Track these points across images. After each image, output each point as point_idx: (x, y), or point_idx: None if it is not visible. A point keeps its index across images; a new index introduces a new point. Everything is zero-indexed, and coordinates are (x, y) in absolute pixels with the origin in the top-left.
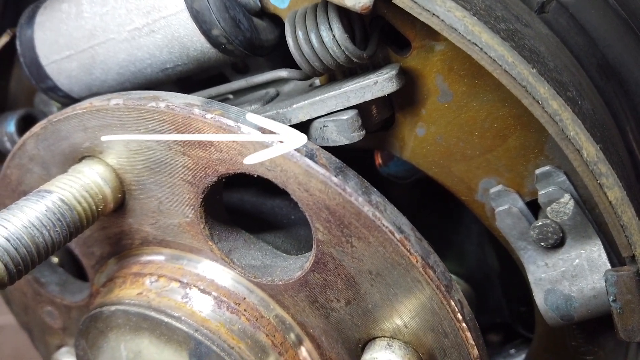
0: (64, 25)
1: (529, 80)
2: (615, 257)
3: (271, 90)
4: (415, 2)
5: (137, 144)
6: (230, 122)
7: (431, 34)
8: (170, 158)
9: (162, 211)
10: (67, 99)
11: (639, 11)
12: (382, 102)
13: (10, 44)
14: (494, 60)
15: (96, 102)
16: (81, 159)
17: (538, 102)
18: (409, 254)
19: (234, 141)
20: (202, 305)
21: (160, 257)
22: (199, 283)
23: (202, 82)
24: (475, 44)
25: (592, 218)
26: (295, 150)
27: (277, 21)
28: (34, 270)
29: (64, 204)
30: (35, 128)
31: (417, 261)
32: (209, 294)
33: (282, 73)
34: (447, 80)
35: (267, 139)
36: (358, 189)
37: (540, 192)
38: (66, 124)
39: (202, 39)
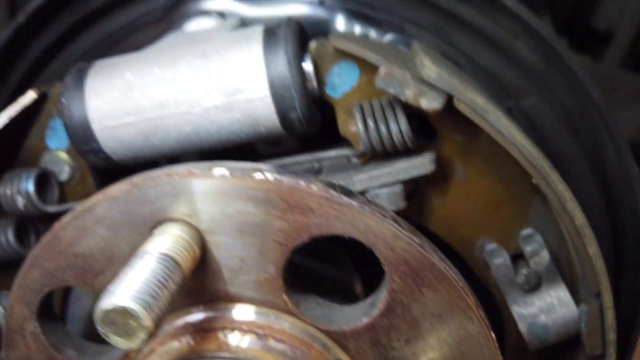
0: (128, 94)
1: (546, 170)
2: (573, 295)
3: (315, 164)
4: (475, 112)
5: (235, 209)
6: (334, 192)
7: (456, 128)
8: (266, 222)
9: (242, 269)
10: (106, 162)
11: (575, 116)
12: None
13: (34, 103)
14: (524, 155)
15: (196, 170)
16: (163, 220)
17: (551, 186)
18: (467, 297)
19: (333, 208)
20: (281, 354)
21: (230, 312)
22: (274, 334)
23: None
24: (514, 144)
25: (557, 268)
26: (385, 215)
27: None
28: (50, 335)
29: (178, 265)
30: (113, 191)
31: (472, 303)
32: (284, 342)
33: (348, 152)
34: (463, 164)
35: (369, 209)
36: (431, 247)
37: (527, 248)
38: (155, 189)
39: (276, 119)
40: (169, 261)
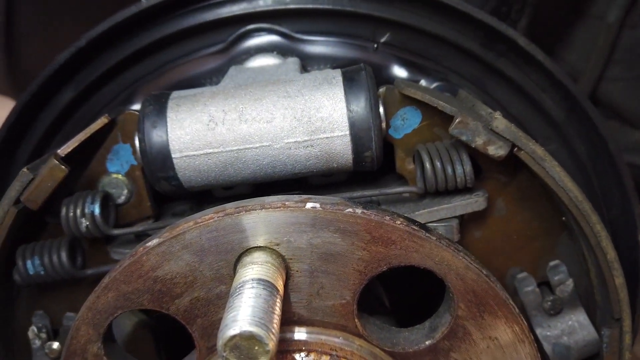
0: (212, 127)
1: (588, 212)
2: (592, 321)
3: (374, 198)
4: (534, 159)
5: (321, 239)
6: (415, 227)
7: (502, 170)
8: (350, 252)
9: (320, 294)
10: (176, 188)
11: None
12: None
13: (102, 129)
14: (571, 198)
15: (289, 203)
16: (251, 248)
17: (590, 225)
18: (522, 322)
19: (413, 241)
20: None
21: (304, 334)
22: (346, 355)
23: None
24: (563, 189)
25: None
26: (458, 250)
27: None
28: (111, 357)
29: (278, 290)
30: (204, 220)
31: (525, 328)
32: None
33: (412, 189)
34: (504, 201)
35: (445, 243)
36: (494, 278)
37: (554, 278)
38: (248, 218)
39: (350, 157)
40: (272, 287)
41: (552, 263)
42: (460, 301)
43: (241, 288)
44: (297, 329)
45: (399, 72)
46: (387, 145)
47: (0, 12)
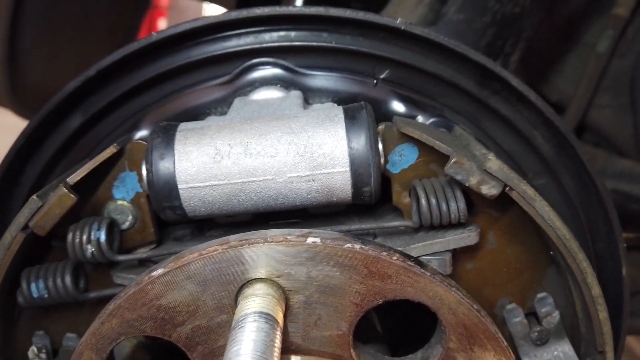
0: (218, 160)
1: (575, 250)
2: (577, 352)
3: (371, 231)
4: (524, 199)
5: (321, 272)
6: (411, 263)
7: (493, 206)
8: (347, 285)
9: (317, 325)
10: (181, 217)
11: (575, 196)
12: None
13: (110, 158)
14: (559, 236)
15: (292, 237)
16: (252, 280)
17: (577, 262)
18: (509, 355)
19: (408, 276)
20: None
21: None
22: None
23: None
24: (552, 227)
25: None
26: (451, 285)
27: None
28: None
29: (278, 323)
30: (209, 251)
31: (512, 359)
32: None
33: (408, 223)
34: (495, 235)
35: (439, 279)
36: (485, 312)
37: (542, 310)
38: (250, 251)
39: (350, 191)
40: (273, 320)
41: (539, 295)
42: (451, 334)
43: (243, 321)
44: (294, 357)
45: (398, 107)
46: (385, 179)
47: (5, 25)
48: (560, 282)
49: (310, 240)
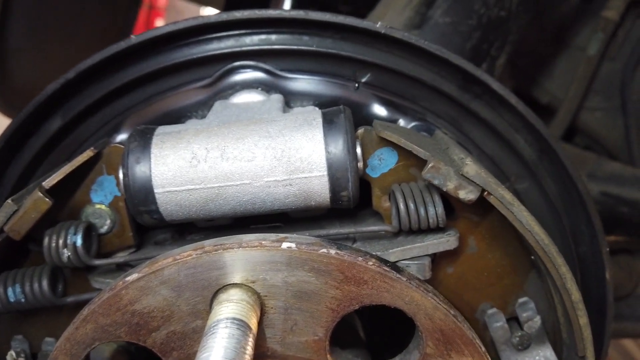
0: (195, 164)
1: (554, 254)
2: (559, 356)
3: (351, 235)
4: (502, 204)
5: (296, 278)
6: (387, 269)
7: (473, 210)
8: (323, 290)
9: (293, 331)
10: (158, 222)
11: (558, 199)
12: None
13: (87, 161)
14: (537, 241)
15: (266, 242)
16: (227, 285)
17: (556, 267)
18: (488, 359)
19: (384, 281)
20: None
21: None
22: None
23: None
24: (530, 232)
25: (545, 331)
26: (427, 290)
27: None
28: None
29: (251, 329)
30: (183, 257)
31: None
32: None
33: (387, 227)
34: (476, 240)
35: (415, 284)
36: (462, 318)
37: (523, 315)
38: (225, 256)
39: (328, 196)
40: (245, 326)
41: (521, 300)
42: (428, 339)
43: (215, 327)
44: None
45: (379, 110)
46: (365, 183)
47: None
48: (542, 286)
49: (285, 245)
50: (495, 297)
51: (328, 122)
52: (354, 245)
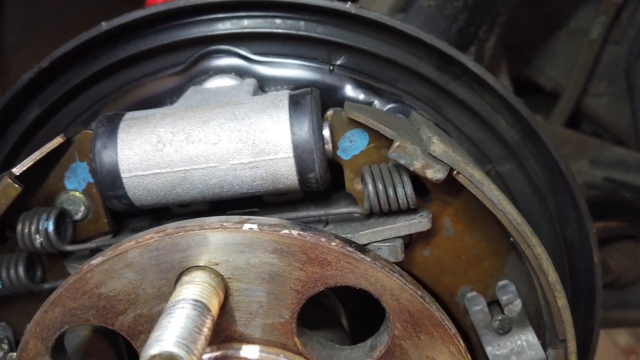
0: (160, 148)
1: (528, 234)
2: (541, 339)
3: (323, 218)
4: (472, 183)
5: (259, 259)
6: (350, 249)
7: (447, 191)
8: (287, 272)
9: (259, 313)
10: (128, 207)
11: (543, 182)
12: None
13: (59, 148)
14: (510, 221)
15: (228, 224)
16: (191, 267)
17: (531, 248)
18: (458, 343)
19: (348, 262)
20: None
21: (244, 352)
22: None
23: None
24: (502, 211)
25: (527, 314)
26: (393, 271)
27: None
28: None
29: (210, 310)
30: (146, 239)
31: (462, 348)
32: None
33: (357, 209)
34: (452, 221)
35: (380, 264)
36: (430, 299)
37: (503, 298)
38: (187, 238)
39: (296, 178)
40: (203, 307)
41: (500, 283)
42: (396, 321)
43: (172, 308)
44: (237, 346)
45: (355, 93)
46: (338, 165)
47: None
48: (523, 269)
49: (247, 226)
50: (474, 280)
51: (294, 104)
52: (326, 229)
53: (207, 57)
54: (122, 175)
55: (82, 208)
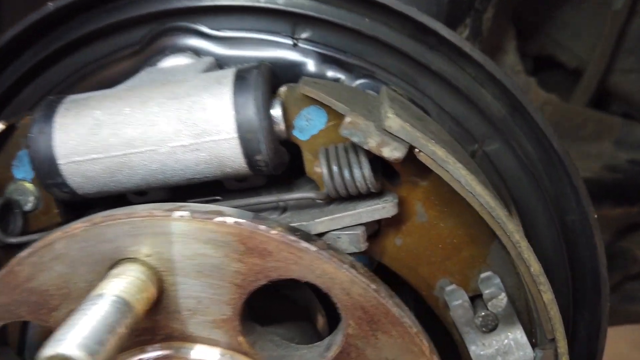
0: (96, 131)
1: (503, 220)
2: (529, 339)
3: (281, 203)
4: (434, 162)
5: (193, 250)
6: (292, 237)
7: (417, 173)
8: (224, 264)
9: (198, 309)
10: (70, 195)
11: (537, 162)
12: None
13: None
14: (482, 205)
15: (157, 212)
16: (121, 260)
17: (508, 235)
18: (421, 343)
19: (291, 252)
20: None
21: (186, 351)
22: None
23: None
24: (471, 193)
25: (515, 310)
26: (342, 262)
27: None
28: None
29: (131, 307)
30: (72, 229)
31: (425, 349)
32: None
33: (312, 194)
34: (424, 207)
35: (327, 255)
36: (387, 293)
37: (485, 291)
38: (115, 228)
39: (243, 160)
40: (123, 304)
41: (483, 275)
42: (349, 318)
43: (87, 304)
44: (179, 345)
45: (320, 69)
46: (296, 147)
47: None
48: (509, 259)
49: (177, 214)
50: (453, 272)
51: (239, 79)
52: (282, 216)
53: (163, 35)
54: (59, 161)
55: (32, 198)
